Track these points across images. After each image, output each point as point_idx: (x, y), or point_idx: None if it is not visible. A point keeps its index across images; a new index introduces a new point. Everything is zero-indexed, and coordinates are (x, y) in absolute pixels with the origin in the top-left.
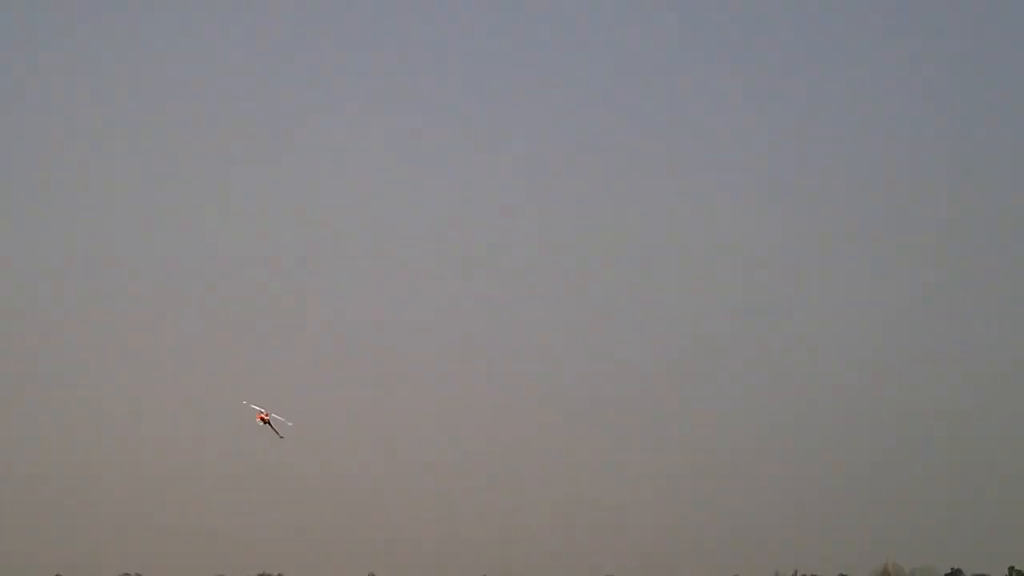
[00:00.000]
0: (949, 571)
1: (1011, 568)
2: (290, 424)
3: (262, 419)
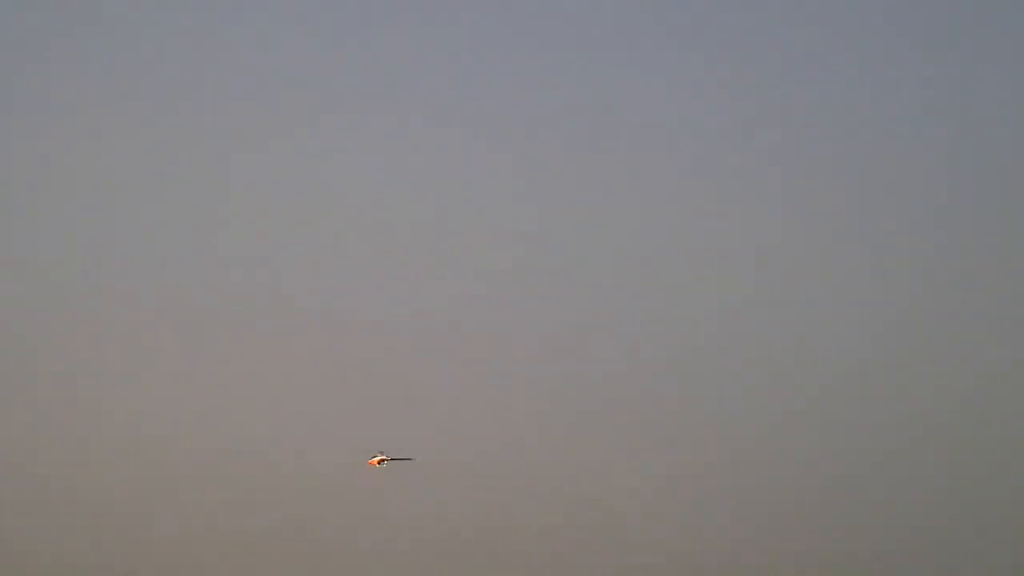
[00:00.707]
0: None
1: None
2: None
3: (379, 462)
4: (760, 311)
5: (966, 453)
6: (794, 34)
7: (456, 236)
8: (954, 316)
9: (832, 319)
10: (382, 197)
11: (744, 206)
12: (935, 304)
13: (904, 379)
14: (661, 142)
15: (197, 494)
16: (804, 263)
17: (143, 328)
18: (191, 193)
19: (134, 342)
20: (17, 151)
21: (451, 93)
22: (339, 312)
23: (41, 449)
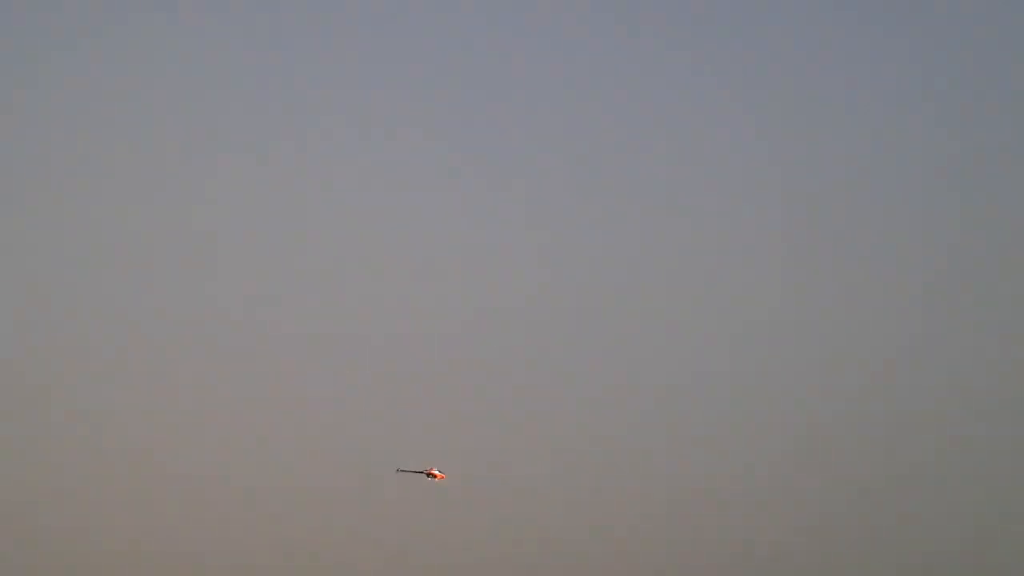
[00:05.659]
0: None
1: None
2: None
3: (430, 474)
4: (766, 323)
5: (970, 456)
6: (797, 37)
7: (456, 242)
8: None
9: (836, 320)
10: (382, 201)
11: (745, 208)
12: (943, 311)
13: (910, 385)
14: (666, 146)
15: (198, 504)
16: (806, 266)
17: (143, 332)
18: (183, 194)
19: (134, 347)
20: (11, 150)
21: (452, 99)
22: (335, 319)
23: (41, 457)
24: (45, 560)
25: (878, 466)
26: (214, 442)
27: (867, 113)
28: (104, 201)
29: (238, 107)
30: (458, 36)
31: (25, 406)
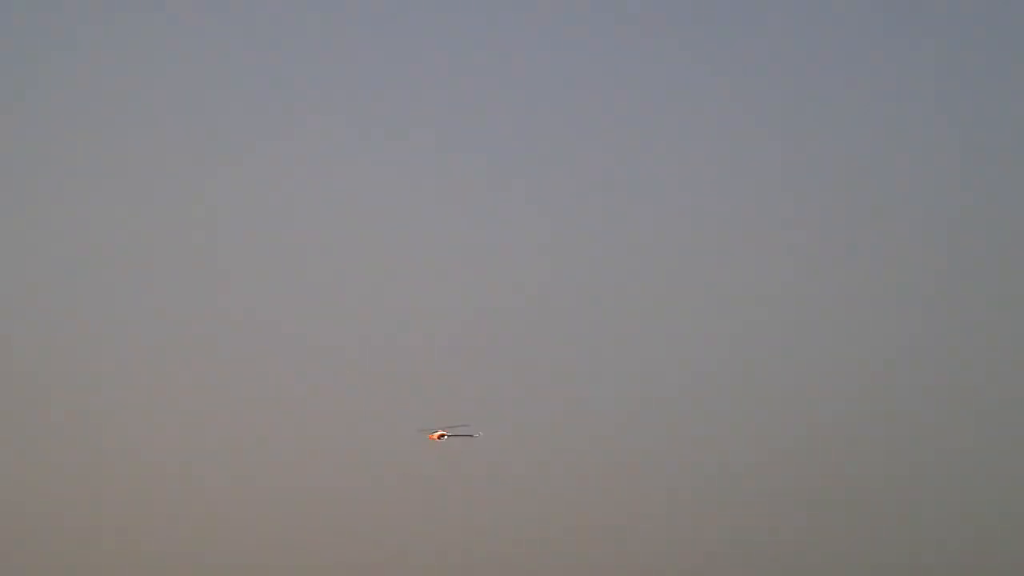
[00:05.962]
0: None
1: None
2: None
3: (439, 436)
4: (768, 321)
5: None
6: (796, 35)
7: (456, 242)
8: (961, 321)
9: (838, 321)
10: (379, 199)
11: (746, 207)
12: (944, 311)
13: (912, 384)
14: (667, 143)
15: (199, 501)
16: (806, 265)
17: (143, 333)
18: (180, 192)
19: (135, 346)
20: (10, 149)
21: (451, 96)
22: (333, 319)
23: (41, 456)
24: (45, 560)
25: (878, 466)
26: (215, 442)
27: (867, 113)
28: (104, 201)
29: (238, 107)
30: (458, 36)
31: (25, 406)
